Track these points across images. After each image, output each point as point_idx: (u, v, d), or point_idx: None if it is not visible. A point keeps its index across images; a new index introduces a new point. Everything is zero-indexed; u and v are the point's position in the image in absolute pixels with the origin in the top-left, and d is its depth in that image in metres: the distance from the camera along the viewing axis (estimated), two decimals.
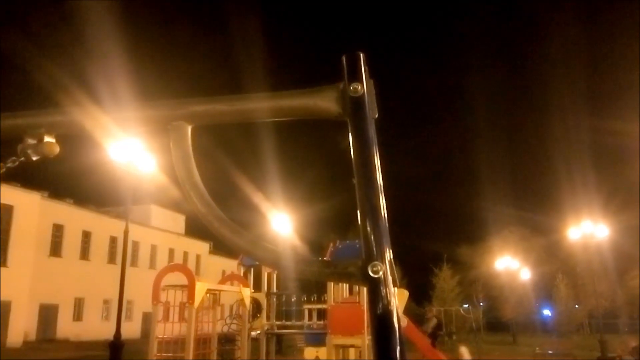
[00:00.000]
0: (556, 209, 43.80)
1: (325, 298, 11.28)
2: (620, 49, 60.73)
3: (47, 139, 1.09)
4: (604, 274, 40.07)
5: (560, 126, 60.77)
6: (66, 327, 32.75)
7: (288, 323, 13.95)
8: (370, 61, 1.02)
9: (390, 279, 0.87)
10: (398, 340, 0.84)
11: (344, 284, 10.34)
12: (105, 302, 35.80)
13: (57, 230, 33.28)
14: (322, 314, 12.83)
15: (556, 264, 47.31)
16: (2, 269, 27.16)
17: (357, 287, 10.04)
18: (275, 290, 12.71)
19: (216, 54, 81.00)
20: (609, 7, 72.00)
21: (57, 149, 1.09)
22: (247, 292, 9.65)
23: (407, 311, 13.80)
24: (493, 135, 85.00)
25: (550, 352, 22.37)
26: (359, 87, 0.99)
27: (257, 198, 25.24)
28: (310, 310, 13.63)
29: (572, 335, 42.72)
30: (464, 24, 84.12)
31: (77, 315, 34.43)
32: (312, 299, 13.68)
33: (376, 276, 0.87)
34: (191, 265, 42.61)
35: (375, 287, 0.87)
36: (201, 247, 48.59)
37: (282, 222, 22.30)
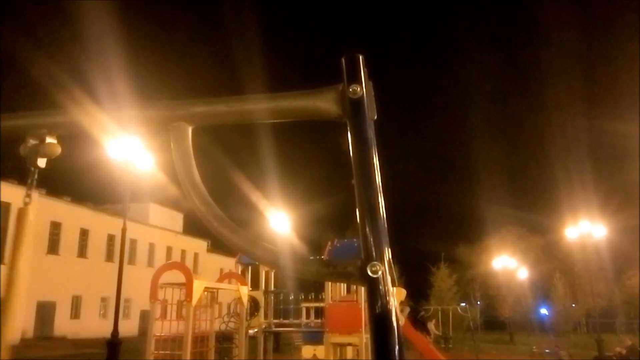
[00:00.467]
0: (554, 209, 43.89)
1: (323, 296, 11.29)
2: (618, 48, 60.82)
3: (49, 139, 1.09)
4: (601, 274, 40.20)
5: (558, 126, 60.86)
6: (64, 325, 32.70)
7: (286, 321, 13.94)
8: (369, 63, 1.03)
9: (389, 278, 0.88)
10: (397, 340, 0.85)
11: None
12: (103, 299, 35.75)
13: (55, 228, 33.20)
14: (319, 312, 12.85)
15: (554, 263, 47.41)
16: (0, 266, 27.14)
17: (355, 285, 10.05)
18: (272, 288, 12.72)
19: (216, 55, 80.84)
20: (609, 7, 72.08)
21: (59, 150, 1.10)
22: (244, 291, 9.65)
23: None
24: (491, 135, 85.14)
25: (547, 350, 22.46)
26: (358, 89, 0.99)
27: (255, 197, 25.25)
28: (307, 309, 13.63)
29: (570, 335, 42.81)
30: (463, 26, 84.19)
31: (75, 313, 34.36)
32: (310, 297, 13.69)
33: (375, 276, 0.87)
34: (189, 263, 42.57)
35: (374, 287, 0.87)
36: (199, 245, 48.54)
37: (280, 221, 22.29)
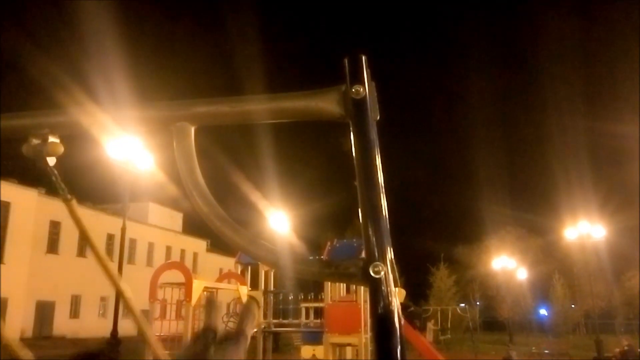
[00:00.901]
0: (553, 209, 43.80)
1: (322, 296, 11.30)
2: (618, 49, 60.82)
3: (52, 139, 1.09)
4: (600, 275, 40.17)
5: (557, 127, 60.77)
6: (63, 324, 32.69)
7: (285, 321, 13.96)
8: (372, 63, 1.03)
9: (391, 279, 0.88)
10: (399, 340, 0.85)
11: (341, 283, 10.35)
12: (102, 299, 35.71)
13: (54, 227, 33.17)
14: (319, 313, 12.86)
15: (553, 264, 47.41)
16: (0, 266, 27.12)
17: (354, 285, 10.04)
18: (272, 288, 12.72)
19: (218, 56, 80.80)
20: (609, 7, 72.13)
21: (61, 149, 1.10)
22: (244, 290, 9.65)
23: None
24: (491, 135, 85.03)
25: (546, 351, 22.46)
26: (361, 89, 0.99)
27: (255, 196, 25.21)
28: (307, 309, 13.64)
29: (569, 335, 42.82)
30: (465, 27, 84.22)
31: (74, 313, 34.34)
32: (309, 297, 13.69)
33: (377, 276, 0.87)
34: (188, 263, 42.53)
35: (376, 288, 0.87)
36: (198, 245, 48.51)
37: (280, 221, 22.28)
